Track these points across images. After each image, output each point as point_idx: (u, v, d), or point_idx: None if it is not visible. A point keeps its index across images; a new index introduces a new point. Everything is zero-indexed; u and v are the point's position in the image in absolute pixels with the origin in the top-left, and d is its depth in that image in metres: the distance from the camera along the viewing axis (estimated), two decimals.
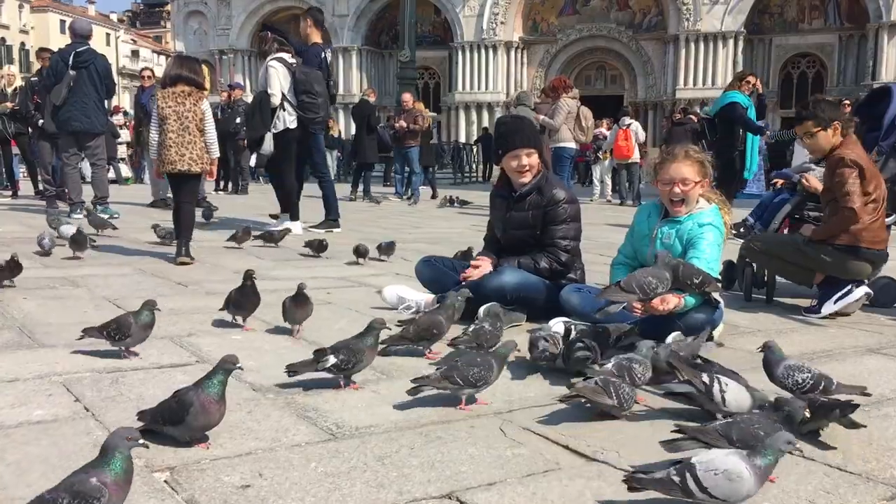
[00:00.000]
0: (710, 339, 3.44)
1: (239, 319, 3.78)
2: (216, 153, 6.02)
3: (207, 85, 6.13)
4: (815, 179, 5.00)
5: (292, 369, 2.77)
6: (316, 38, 8.52)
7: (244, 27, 49.99)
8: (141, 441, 1.72)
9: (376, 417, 2.51)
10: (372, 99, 15.48)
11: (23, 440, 2.23)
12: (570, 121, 11.20)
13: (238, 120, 14.22)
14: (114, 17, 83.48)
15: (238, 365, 2.27)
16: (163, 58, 74.05)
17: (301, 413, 2.53)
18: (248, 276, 3.76)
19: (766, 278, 4.97)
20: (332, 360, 2.72)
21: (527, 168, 4.11)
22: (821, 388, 2.60)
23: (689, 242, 3.50)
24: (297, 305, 3.61)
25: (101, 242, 6.62)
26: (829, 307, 4.34)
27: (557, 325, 3.57)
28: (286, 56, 7.86)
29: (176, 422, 2.20)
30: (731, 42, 40.82)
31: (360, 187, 14.80)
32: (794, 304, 4.81)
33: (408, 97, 14.87)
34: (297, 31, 8.58)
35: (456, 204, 13.54)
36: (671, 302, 3.30)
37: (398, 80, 24.94)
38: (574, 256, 4.11)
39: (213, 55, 52.99)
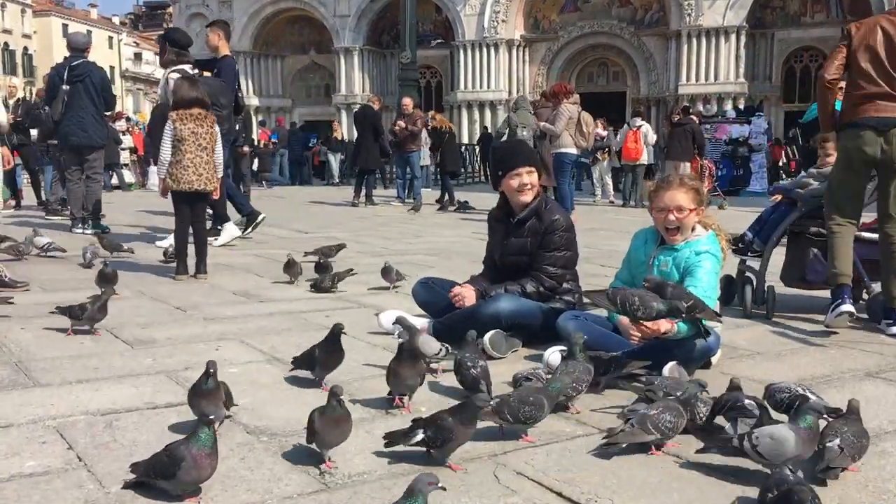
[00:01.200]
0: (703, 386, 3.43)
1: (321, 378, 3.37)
2: (222, 172, 6.34)
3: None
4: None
5: (389, 440, 2.54)
6: (225, 50, 8.65)
7: (246, 29, 50.00)
8: (440, 485, 1.96)
9: (370, 462, 2.50)
10: (376, 106, 15.44)
11: (14, 497, 2.22)
12: (570, 126, 11.20)
13: (237, 127, 14.16)
14: (116, 20, 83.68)
15: (211, 417, 2.25)
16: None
17: (296, 459, 2.52)
18: (339, 330, 3.32)
19: (765, 294, 4.95)
20: (419, 435, 2.47)
21: (528, 186, 4.11)
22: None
23: (687, 271, 3.49)
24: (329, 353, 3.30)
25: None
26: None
27: (554, 353, 3.56)
28: (186, 67, 7.80)
29: (167, 476, 2.19)
30: (733, 37, 40.67)
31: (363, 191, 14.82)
32: (795, 321, 4.80)
33: (408, 101, 14.85)
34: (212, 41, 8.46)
35: (464, 210, 13.52)
36: (662, 326, 3.29)
37: (399, 81, 24.92)
38: (561, 283, 4.10)
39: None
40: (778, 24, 42.06)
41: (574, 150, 11.42)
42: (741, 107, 28.67)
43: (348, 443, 2.65)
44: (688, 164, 14.27)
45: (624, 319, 3.58)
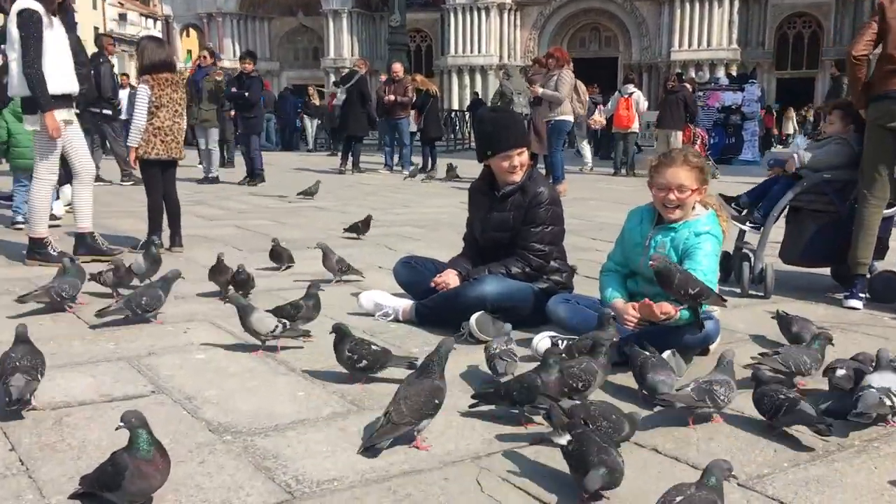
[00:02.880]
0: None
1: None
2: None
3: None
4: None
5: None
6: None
7: None
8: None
9: (341, 468, 2.29)
10: (363, 70, 15.00)
11: None
12: (570, 93, 10.92)
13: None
14: None
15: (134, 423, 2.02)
16: (150, 21, 72.76)
17: (258, 463, 2.30)
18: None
19: (763, 272, 4.74)
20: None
21: (518, 167, 3.86)
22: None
23: (685, 253, 3.26)
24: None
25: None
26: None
27: (543, 339, 3.35)
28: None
29: (113, 487, 1.97)
30: (726, 2, 40.23)
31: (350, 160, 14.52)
32: (795, 301, 4.60)
33: (398, 67, 14.46)
34: None
35: (455, 178, 13.24)
36: (666, 311, 3.09)
37: (388, 45, 24.43)
38: (548, 261, 3.87)
39: (200, 19, 52.12)
40: None
41: (572, 118, 11.14)
42: (734, 73, 28.28)
43: (319, 443, 2.45)
44: (679, 133, 14.00)
45: (619, 302, 3.37)
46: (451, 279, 3.83)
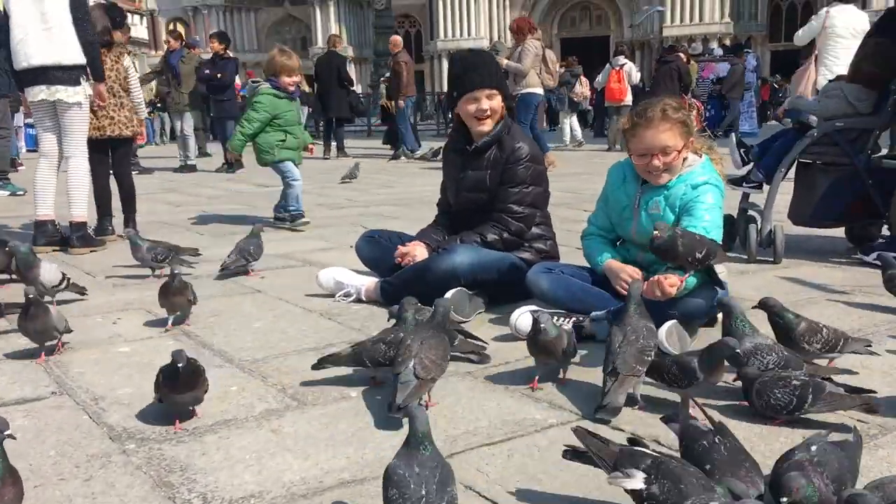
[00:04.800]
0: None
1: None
2: (144, 113, 5.67)
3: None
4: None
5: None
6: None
7: None
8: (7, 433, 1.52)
9: (263, 479, 1.82)
10: (339, 49, 14.41)
11: None
12: (536, 64, 10.30)
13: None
14: None
15: (7, 433, 1.55)
16: (137, 17, 71.90)
17: (160, 478, 1.84)
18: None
19: (771, 234, 4.28)
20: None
21: (487, 114, 3.36)
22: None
23: (684, 209, 2.78)
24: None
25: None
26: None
27: (524, 315, 2.88)
28: None
29: None
30: None
31: (334, 144, 14.01)
32: (808, 265, 4.14)
33: (397, 39, 13.83)
34: None
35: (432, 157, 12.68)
36: (674, 285, 2.60)
37: (375, 28, 23.89)
38: (529, 225, 3.39)
39: (186, 12, 51.56)
40: None
41: (540, 91, 10.52)
42: (728, 44, 27.74)
43: (242, 449, 1.99)
44: None
45: (615, 263, 2.88)
46: (417, 251, 3.36)
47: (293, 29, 51.16)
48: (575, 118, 16.82)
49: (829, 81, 4.48)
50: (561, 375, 2.46)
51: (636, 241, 2.90)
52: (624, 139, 2.93)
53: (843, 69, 6.26)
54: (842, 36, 7.29)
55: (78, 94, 4.71)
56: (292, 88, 5.70)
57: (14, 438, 1.57)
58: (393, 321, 2.62)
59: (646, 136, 2.78)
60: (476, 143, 3.41)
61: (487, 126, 3.35)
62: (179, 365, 2.06)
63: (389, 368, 2.28)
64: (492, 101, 3.33)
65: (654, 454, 1.56)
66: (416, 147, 13.55)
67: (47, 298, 3.15)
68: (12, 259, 3.44)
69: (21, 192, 8.20)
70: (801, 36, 8.02)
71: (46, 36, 4.59)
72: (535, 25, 11.02)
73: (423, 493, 1.44)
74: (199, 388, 2.14)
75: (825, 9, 7.74)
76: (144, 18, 62.19)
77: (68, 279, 3.36)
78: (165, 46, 13.29)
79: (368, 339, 2.49)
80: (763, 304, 2.52)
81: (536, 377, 2.41)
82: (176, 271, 3.09)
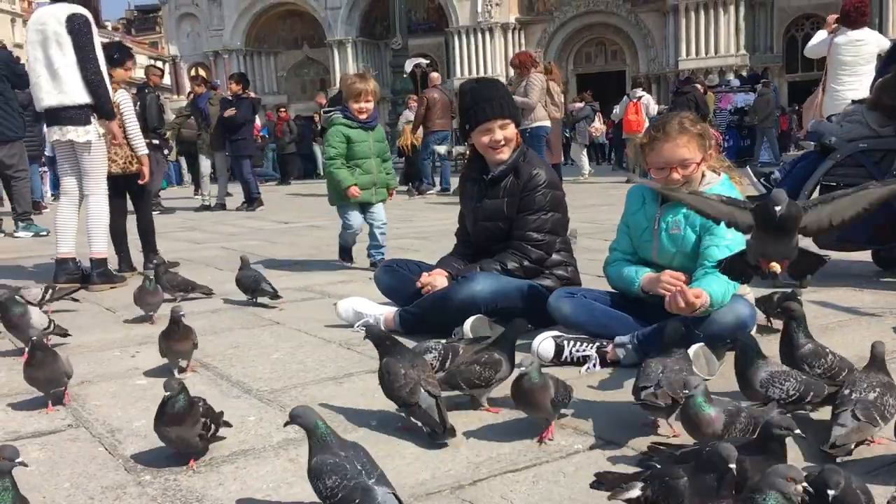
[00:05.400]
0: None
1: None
2: (142, 150, 5.36)
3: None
4: None
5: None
6: None
7: (237, 26, 49.35)
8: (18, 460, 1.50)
9: None
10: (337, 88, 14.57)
11: None
12: (542, 97, 10.31)
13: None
14: (109, 25, 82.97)
15: (18, 461, 1.51)
16: (160, 63, 73.43)
17: None
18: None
19: None
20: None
21: (502, 143, 3.35)
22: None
23: (705, 228, 2.72)
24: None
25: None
26: None
27: (546, 340, 2.83)
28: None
29: None
30: (731, 8, 39.74)
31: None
32: (835, 289, 4.05)
33: (433, 76, 13.84)
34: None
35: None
36: (699, 296, 2.51)
37: (391, 68, 24.18)
38: (550, 252, 3.34)
39: (207, 57, 52.51)
40: None
41: (548, 123, 10.52)
42: (744, 74, 27.76)
43: (260, 479, 1.94)
44: None
45: (651, 274, 2.77)
46: (437, 280, 3.32)
47: (312, 71, 51.84)
48: (585, 151, 16.82)
49: (853, 102, 4.42)
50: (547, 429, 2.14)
51: (658, 263, 2.84)
52: (641, 155, 2.89)
53: (852, 93, 6.19)
54: (847, 64, 7.00)
55: (88, 133, 4.74)
56: (363, 116, 5.03)
57: (26, 466, 1.54)
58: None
59: (664, 149, 2.75)
60: (493, 171, 3.39)
61: (505, 154, 3.34)
62: (166, 394, 1.96)
63: (485, 390, 2.32)
64: (505, 131, 3.32)
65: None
66: (448, 185, 13.32)
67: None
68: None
69: (44, 233, 8.28)
70: (810, 49, 7.74)
71: (54, 78, 4.67)
72: (537, 59, 11.04)
73: (360, 467, 1.60)
74: (187, 426, 1.97)
75: (829, 36, 7.39)
76: (167, 64, 63.50)
77: (52, 321, 3.24)
78: (189, 92, 13.46)
79: (461, 360, 2.47)
80: (786, 310, 2.43)
81: (552, 424, 2.16)
82: (182, 313, 2.88)
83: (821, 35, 7.52)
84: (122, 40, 6.18)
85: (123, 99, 5.31)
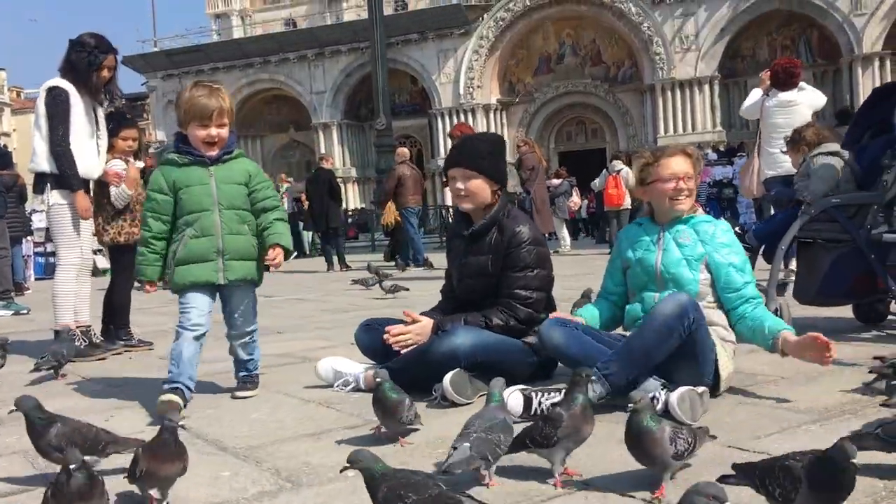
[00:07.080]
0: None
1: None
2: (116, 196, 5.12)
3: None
4: None
5: None
6: None
7: None
8: None
9: None
10: (327, 166, 14.94)
11: None
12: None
13: None
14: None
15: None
16: (150, 149, 74.16)
17: None
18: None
19: (778, 312, 4.20)
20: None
21: (463, 193, 3.39)
22: None
23: (720, 257, 3.00)
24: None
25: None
26: None
27: (514, 394, 2.79)
28: None
29: None
30: (706, 87, 40.94)
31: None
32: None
33: (401, 150, 14.17)
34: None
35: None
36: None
37: (376, 147, 24.53)
38: (538, 310, 3.34)
39: None
40: (749, 73, 42.26)
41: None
42: (721, 149, 28.39)
43: None
44: None
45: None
46: (417, 327, 3.31)
47: (298, 153, 52.54)
48: (564, 226, 16.99)
49: (821, 155, 4.50)
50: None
51: (657, 273, 3.01)
52: (641, 178, 3.13)
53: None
54: (780, 126, 6.67)
55: (45, 202, 4.76)
56: (213, 151, 3.29)
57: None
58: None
59: (671, 161, 3.02)
60: (473, 226, 3.41)
61: (467, 205, 3.39)
62: (70, 467, 1.74)
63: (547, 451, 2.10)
64: (468, 183, 3.35)
65: None
66: (420, 259, 13.41)
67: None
68: None
69: (25, 311, 8.19)
70: (744, 110, 7.54)
71: (36, 147, 4.72)
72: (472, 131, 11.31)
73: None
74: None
75: (762, 97, 7.07)
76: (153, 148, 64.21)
77: None
78: None
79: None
80: None
81: (559, 472, 2.11)
82: (176, 428, 2.13)
83: (755, 95, 7.29)
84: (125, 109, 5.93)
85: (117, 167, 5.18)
